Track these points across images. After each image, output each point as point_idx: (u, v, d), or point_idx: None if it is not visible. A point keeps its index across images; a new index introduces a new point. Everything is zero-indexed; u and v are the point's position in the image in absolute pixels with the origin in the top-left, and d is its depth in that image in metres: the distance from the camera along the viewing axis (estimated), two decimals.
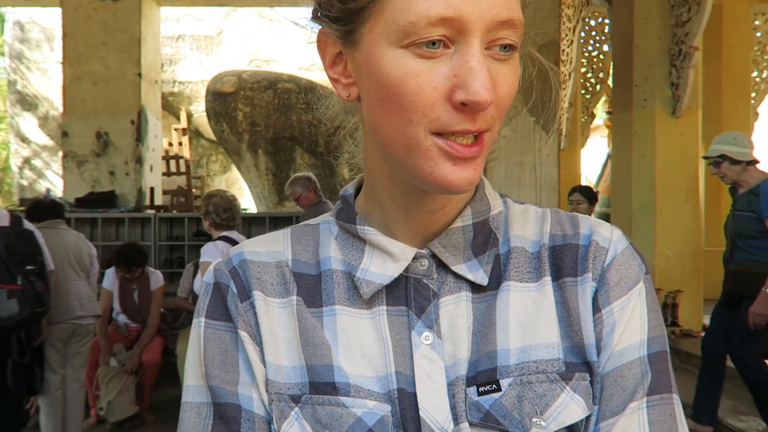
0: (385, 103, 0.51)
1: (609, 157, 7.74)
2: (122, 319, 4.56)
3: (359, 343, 0.57)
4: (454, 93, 0.49)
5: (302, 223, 0.66)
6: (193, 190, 9.85)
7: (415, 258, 0.58)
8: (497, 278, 0.59)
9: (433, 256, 0.59)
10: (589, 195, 4.91)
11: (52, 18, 10.78)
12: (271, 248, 0.62)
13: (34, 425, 3.99)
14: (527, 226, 0.62)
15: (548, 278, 0.58)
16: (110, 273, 4.53)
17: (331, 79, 0.57)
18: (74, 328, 3.75)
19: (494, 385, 0.54)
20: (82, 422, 3.87)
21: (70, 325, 3.72)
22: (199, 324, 0.59)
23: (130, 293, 4.48)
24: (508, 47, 0.50)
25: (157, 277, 4.60)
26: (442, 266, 0.59)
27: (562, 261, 0.59)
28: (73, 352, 3.80)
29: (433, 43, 0.48)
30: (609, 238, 0.59)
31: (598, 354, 0.56)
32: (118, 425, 4.28)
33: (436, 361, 0.55)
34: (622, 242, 0.59)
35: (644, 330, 0.56)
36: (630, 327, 0.56)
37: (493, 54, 0.50)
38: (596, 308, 0.57)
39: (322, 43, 0.57)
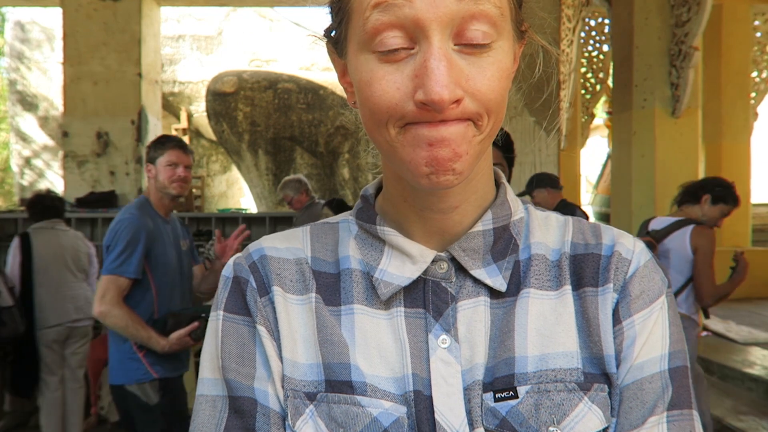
0: (363, 107, 0.52)
1: (609, 157, 7.75)
2: None
3: (376, 343, 0.56)
4: (416, 93, 0.48)
5: (321, 221, 0.66)
6: (194, 190, 9.85)
7: (434, 261, 0.58)
8: (516, 285, 0.58)
9: (452, 259, 0.58)
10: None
11: (52, 18, 10.78)
12: (290, 245, 0.62)
13: (35, 425, 3.99)
14: (548, 233, 0.61)
15: (568, 287, 0.58)
16: None
17: (343, 88, 0.59)
18: (69, 331, 3.76)
19: (511, 392, 0.53)
20: (81, 422, 3.88)
21: (64, 329, 3.73)
22: (217, 317, 0.59)
23: None
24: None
25: None
26: (461, 270, 0.58)
27: (583, 270, 0.58)
28: (71, 353, 3.81)
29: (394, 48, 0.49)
30: (632, 249, 0.58)
31: (618, 366, 0.55)
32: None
33: (453, 365, 0.55)
34: (645, 254, 0.59)
35: (665, 344, 0.56)
36: (651, 340, 0.55)
37: (462, 49, 0.49)
38: (617, 320, 0.56)
39: (331, 56, 0.59)
